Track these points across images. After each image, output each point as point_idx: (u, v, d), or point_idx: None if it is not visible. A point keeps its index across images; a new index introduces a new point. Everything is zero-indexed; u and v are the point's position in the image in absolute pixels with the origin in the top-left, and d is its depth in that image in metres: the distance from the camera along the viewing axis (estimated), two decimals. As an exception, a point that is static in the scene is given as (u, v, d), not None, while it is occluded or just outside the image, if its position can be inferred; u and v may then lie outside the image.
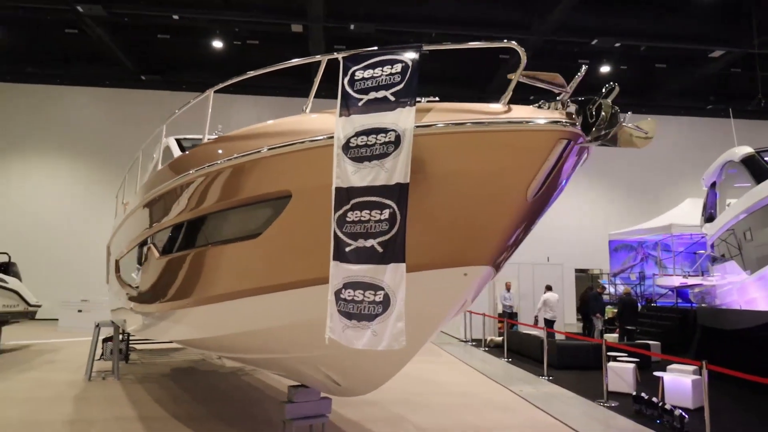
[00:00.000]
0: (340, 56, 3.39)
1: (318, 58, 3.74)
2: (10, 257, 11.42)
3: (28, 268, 13.28)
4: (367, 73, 3.23)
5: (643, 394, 6.70)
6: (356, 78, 3.26)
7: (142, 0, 14.63)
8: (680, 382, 7.20)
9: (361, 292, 3.00)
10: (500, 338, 12.54)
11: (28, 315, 11.15)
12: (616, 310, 13.87)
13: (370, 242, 2.95)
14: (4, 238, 15.59)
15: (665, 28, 15.93)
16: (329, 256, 3.15)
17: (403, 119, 3.00)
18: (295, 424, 4.72)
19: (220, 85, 4.35)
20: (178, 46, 18.17)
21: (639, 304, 15.14)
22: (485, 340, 13.33)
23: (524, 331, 12.71)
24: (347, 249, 3.04)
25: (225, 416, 6.18)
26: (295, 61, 4.23)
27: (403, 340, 2.90)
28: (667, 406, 6.23)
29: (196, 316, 4.61)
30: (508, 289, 14.54)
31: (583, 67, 3.04)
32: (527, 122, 2.98)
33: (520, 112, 3.06)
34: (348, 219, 3.03)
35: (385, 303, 2.94)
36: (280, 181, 3.61)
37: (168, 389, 7.58)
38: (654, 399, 6.52)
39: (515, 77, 3.06)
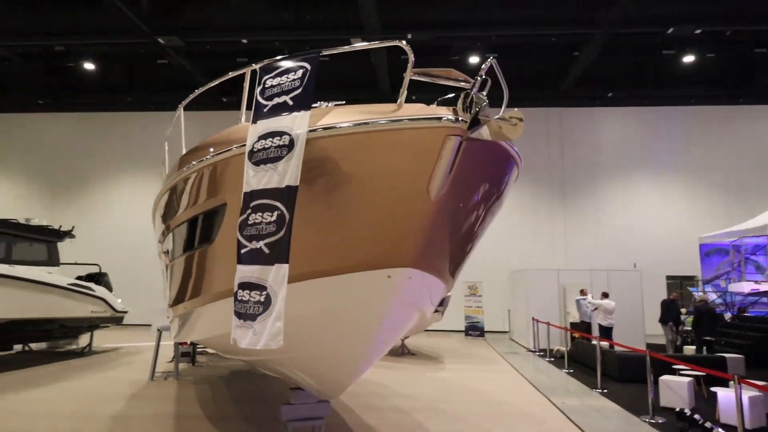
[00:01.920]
0: (257, 66, 3.56)
1: (241, 71, 3.93)
2: (100, 268, 12.73)
3: (123, 277, 14.76)
4: (275, 81, 3.37)
5: (686, 411, 6.16)
6: (266, 86, 3.40)
7: (214, 28, 15.76)
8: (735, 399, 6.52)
9: (248, 292, 3.12)
10: (567, 349, 12.00)
11: (115, 320, 12.36)
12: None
13: (259, 244, 3.07)
14: (99, 252, 17.34)
15: (757, 8, 14.49)
16: None
17: (297, 123, 3.10)
18: (292, 426, 4.90)
19: (186, 100, 4.75)
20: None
21: (729, 313, 13.79)
22: (549, 350, 12.80)
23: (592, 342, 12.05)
24: (243, 251, 3.18)
25: (254, 418, 6.49)
26: (219, 80, 4.47)
27: (280, 340, 2.97)
28: (707, 425, 5.69)
29: (195, 316, 4.92)
30: (583, 295, 13.77)
31: (489, 60, 3.00)
32: (411, 120, 2.96)
33: (410, 110, 3.05)
34: (248, 222, 3.17)
35: (266, 303, 3.04)
36: (217, 190, 3.85)
37: (215, 390, 8.09)
38: (696, 416, 5.97)
39: (407, 75, 3.07)
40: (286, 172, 3.04)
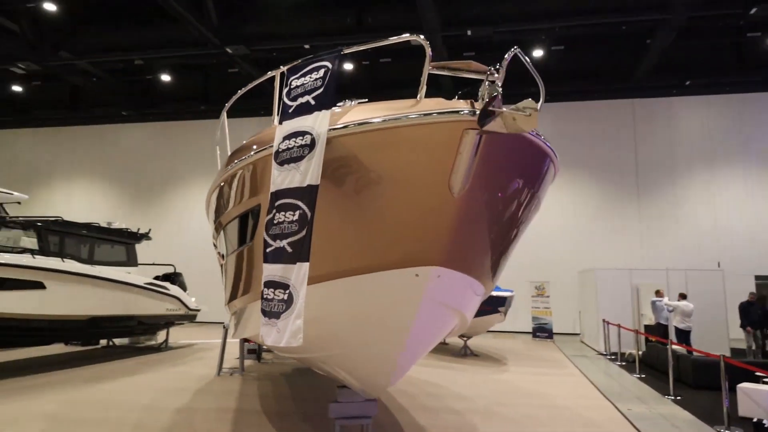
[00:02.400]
0: (285, 68, 3.60)
1: (270, 74, 3.98)
2: (175, 268, 13.46)
3: (197, 277, 15.57)
4: (300, 81, 3.41)
5: (765, 422, 5.67)
6: (292, 87, 3.45)
7: (278, 36, 16.25)
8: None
9: (272, 290, 3.16)
10: (640, 352, 11.40)
11: (189, 318, 13.03)
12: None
13: (283, 243, 3.11)
14: (175, 252, 18.30)
15: None
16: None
17: (318, 122, 3.12)
18: (339, 423, 4.96)
19: (228, 104, 4.91)
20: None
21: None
22: (621, 353, 12.19)
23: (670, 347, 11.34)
24: (268, 250, 3.23)
25: (311, 415, 6.61)
26: (251, 84, 4.55)
27: (300, 338, 2.98)
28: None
29: (247, 313, 5.07)
30: (659, 296, 13.00)
31: (513, 50, 2.88)
32: (426, 115, 2.89)
33: (428, 105, 2.98)
34: (273, 222, 3.22)
35: (289, 301, 3.06)
36: (255, 189, 3.93)
37: (277, 387, 8.32)
38: (774, 427, 5.49)
39: (425, 70, 3.01)
40: (308, 171, 3.08)
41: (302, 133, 3.18)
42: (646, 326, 13.35)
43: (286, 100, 3.45)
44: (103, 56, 17.54)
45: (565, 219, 18.68)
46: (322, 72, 3.37)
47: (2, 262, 8.16)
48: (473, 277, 3.49)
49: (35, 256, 8.88)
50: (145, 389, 7.93)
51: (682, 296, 11.77)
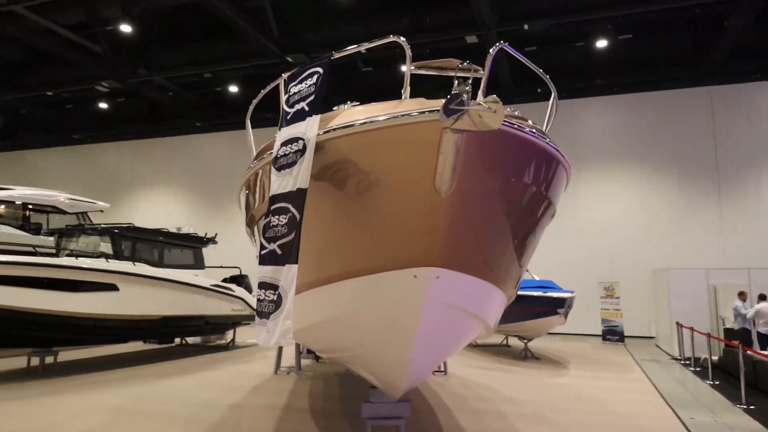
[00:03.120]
0: (285, 76, 3.68)
1: (275, 83, 4.05)
2: (240, 270, 14.06)
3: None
4: (297, 88, 3.48)
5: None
6: (291, 94, 3.52)
7: (337, 42, 16.56)
8: None
9: (264, 291, 3.24)
10: (715, 358, 10.66)
11: (254, 318, 13.56)
12: None
13: (274, 245, 3.18)
14: (241, 255, 19.06)
15: None
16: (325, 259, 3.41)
17: (309, 127, 3.16)
18: (371, 423, 5.00)
19: (250, 111, 5.03)
20: (378, 76, 20.00)
21: None
22: (696, 358, 11.41)
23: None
24: (263, 252, 3.31)
25: (354, 414, 6.70)
26: (265, 91, 4.61)
27: (290, 338, 3.03)
28: None
29: None
30: (743, 298, 12.08)
31: (498, 45, 2.81)
32: (404, 115, 2.86)
33: (409, 105, 2.94)
34: (269, 225, 3.30)
35: (278, 302, 3.12)
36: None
37: (328, 386, 8.50)
38: None
39: (407, 70, 2.98)
40: (299, 176, 3.16)
41: (296, 139, 3.27)
42: (726, 330, 12.43)
43: (285, 107, 3.56)
44: (175, 72, 18.62)
45: (636, 216, 17.76)
46: (315, 78, 3.45)
47: (78, 265, 8.88)
48: (483, 279, 3.42)
49: (109, 260, 9.60)
50: (205, 386, 8.35)
51: (762, 297, 10.88)
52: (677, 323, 12.39)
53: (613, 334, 15.78)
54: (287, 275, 3.16)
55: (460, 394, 8.00)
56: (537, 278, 13.88)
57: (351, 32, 16.67)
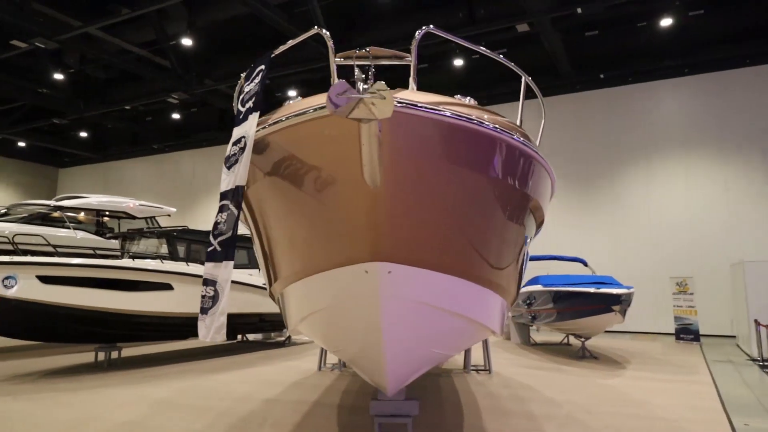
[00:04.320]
0: (243, 75, 3.72)
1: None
2: (296, 270, 14.46)
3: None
4: (247, 87, 3.51)
5: None
6: (243, 93, 3.56)
7: (391, 41, 16.61)
8: None
9: (206, 288, 3.29)
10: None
11: (309, 316, 13.91)
12: None
13: (215, 242, 3.22)
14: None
15: None
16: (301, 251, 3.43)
17: (250, 125, 3.18)
18: (378, 421, 4.99)
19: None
20: (431, 71, 19.85)
21: None
22: (774, 359, 10.43)
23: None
24: (209, 249, 3.37)
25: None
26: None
27: (223, 333, 3.06)
28: None
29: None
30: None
31: (422, 29, 2.71)
32: (320, 108, 2.79)
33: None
34: (215, 222, 3.36)
35: (215, 298, 3.16)
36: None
37: (366, 384, 8.56)
38: None
39: (332, 63, 2.91)
40: (237, 173, 3.21)
41: (240, 138, 3.33)
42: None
43: (238, 106, 3.62)
44: (237, 80, 19.44)
45: (717, 205, 16.44)
46: (260, 75, 3.49)
47: (135, 266, 9.52)
48: (451, 275, 3.31)
49: (164, 261, 10.21)
50: (249, 381, 8.67)
51: None
52: (755, 321, 11.36)
53: (687, 332, 14.71)
54: (224, 271, 3.25)
55: (496, 393, 7.79)
56: (596, 274, 13.24)
57: (404, 29, 16.63)
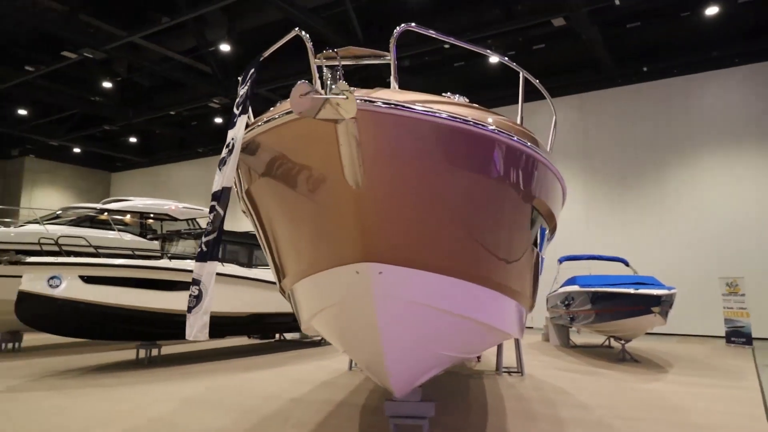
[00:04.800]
0: (240, 78, 3.74)
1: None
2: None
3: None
4: (241, 90, 3.52)
5: None
6: (238, 96, 3.58)
7: (419, 40, 16.55)
8: None
9: (192, 287, 3.32)
10: None
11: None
12: None
13: (201, 242, 3.26)
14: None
15: None
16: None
17: (238, 127, 3.21)
18: (393, 422, 4.96)
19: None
20: (471, 68, 19.64)
21: None
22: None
23: None
24: (198, 251, 3.40)
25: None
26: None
27: (206, 333, 3.09)
28: None
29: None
30: None
31: (401, 27, 2.65)
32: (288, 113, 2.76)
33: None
34: (207, 223, 3.40)
35: (199, 297, 3.19)
36: None
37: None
38: None
39: (312, 63, 2.88)
40: (224, 174, 3.25)
41: (230, 140, 3.37)
42: None
43: (234, 110, 3.66)
44: (275, 84, 19.81)
45: (764, 201, 15.58)
46: (251, 79, 3.52)
47: (171, 267, 9.83)
48: (449, 276, 3.25)
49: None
50: (280, 379, 8.81)
51: None
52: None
53: (738, 335, 14.00)
54: (209, 271, 3.31)
55: (526, 395, 7.63)
56: (638, 273, 12.78)
57: (440, 27, 16.51)
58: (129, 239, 13.68)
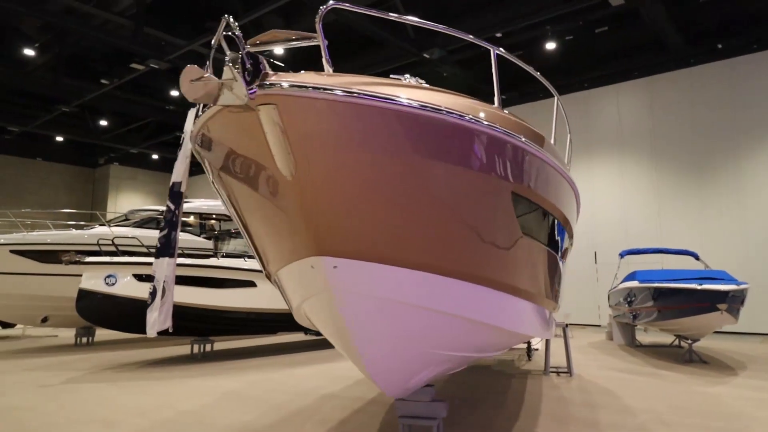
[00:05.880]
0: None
1: None
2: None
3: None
4: None
5: None
6: None
7: (474, 29, 16.12)
8: None
9: (150, 283, 3.28)
10: None
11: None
12: None
13: (158, 238, 3.22)
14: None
15: None
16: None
17: (187, 123, 3.14)
18: (402, 422, 4.83)
19: None
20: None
21: None
22: None
23: None
24: (156, 248, 3.37)
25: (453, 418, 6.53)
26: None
27: (169, 322, 3.02)
28: None
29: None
30: None
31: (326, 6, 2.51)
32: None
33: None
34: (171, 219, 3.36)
35: (154, 293, 3.11)
36: None
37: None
38: None
39: (242, 52, 2.71)
40: (174, 170, 3.22)
41: (183, 134, 3.34)
42: None
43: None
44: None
45: None
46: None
47: (219, 265, 10.17)
48: (422, 271, 3.05)
49: (246, 259, 10.79)
50: (320, 376, 8.87)
51: None
52: None
53: (832, 336, 12.58)
54: (167, 267, 3.30)
55: (568, 397, 7.22)
56: (709, 268, 11.81)
57: (498, 16, 15.98)
58: (186, 239, 14.33)
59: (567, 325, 9.54)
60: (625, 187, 17.60)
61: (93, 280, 9.34)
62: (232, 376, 8.79)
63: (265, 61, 2.74)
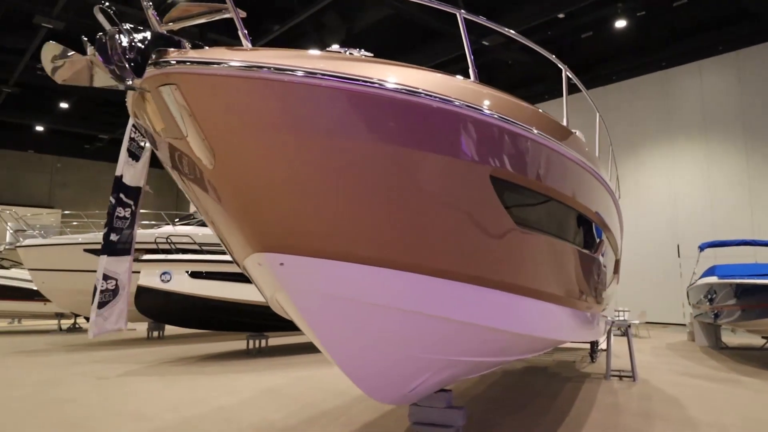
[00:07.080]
0: None
1: None
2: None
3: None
4: None
5: None
6: None
7: (522, 20, 15.32)
8: None
9: (105, 282, 3.10)
10: None
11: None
12: None
13: (116, 237, 3.04)
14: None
15: None
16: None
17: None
18: (416, 429, 4.51)
19: None
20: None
21: None
22: None
23: None
24: (109, 239, 3.19)
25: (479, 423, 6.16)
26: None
27: (123, 322, 2.85)
28: None
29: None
30: None
31: None
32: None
33: None
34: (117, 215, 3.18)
35: (115, 291, 2.94)
36: None
37: (465, 385, 7.95)
38: None
39: (161, 30, 2.41)
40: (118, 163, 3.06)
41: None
42: None
43: None
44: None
45: None
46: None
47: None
48: (392, 269, 2.72)
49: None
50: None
51: None
52: None
53: None
54: (125, 265, 3.16)
55: (624, 406, 6.55)
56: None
57: (552, 2, 15.15)
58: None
59: (630, 325, 8.73)
60: (712, 174, 16.06)
61: (149, 277, 9.69)
62: (278, 372, 8.81)
63: (174, 38, 2.53)
